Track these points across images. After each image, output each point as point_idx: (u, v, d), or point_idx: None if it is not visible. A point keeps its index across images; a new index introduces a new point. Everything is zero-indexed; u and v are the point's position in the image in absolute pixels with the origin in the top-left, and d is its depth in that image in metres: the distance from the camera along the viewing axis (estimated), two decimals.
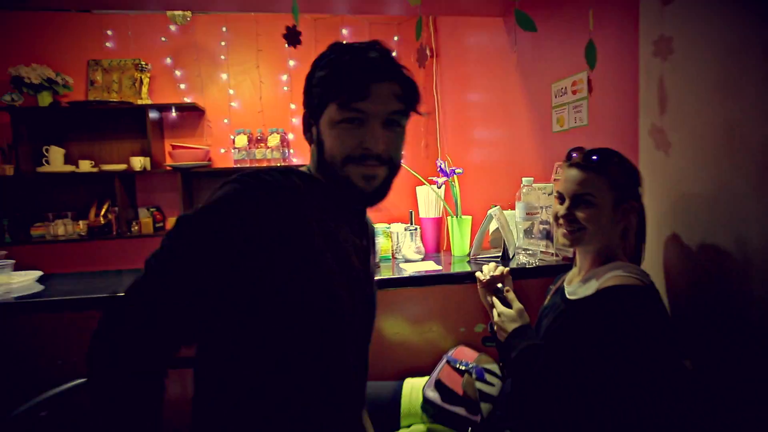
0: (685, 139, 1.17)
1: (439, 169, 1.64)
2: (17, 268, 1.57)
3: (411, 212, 1.67)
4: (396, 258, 1.67)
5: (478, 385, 1.17)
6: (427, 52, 3.17)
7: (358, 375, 0.91)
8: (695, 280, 1.14)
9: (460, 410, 1.15)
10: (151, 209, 2.98)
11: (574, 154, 1.08)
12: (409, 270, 1.50)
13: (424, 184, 1.76)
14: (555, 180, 1.65)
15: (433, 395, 1.18)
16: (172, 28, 2.94)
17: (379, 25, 3.13)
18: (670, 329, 1.00)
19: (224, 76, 3.04)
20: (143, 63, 2.88)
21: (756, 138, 0.98)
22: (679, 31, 1.16)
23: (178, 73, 3.00)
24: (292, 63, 3.08)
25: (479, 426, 1.13)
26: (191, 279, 0.71)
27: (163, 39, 2.97)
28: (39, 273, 1.59)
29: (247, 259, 0.72)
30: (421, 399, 1.21)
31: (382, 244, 1.63)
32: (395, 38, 3.13)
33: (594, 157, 1.05)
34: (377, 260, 0.84)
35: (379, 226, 1.75)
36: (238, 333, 0.76)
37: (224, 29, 3.01)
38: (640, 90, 1.29)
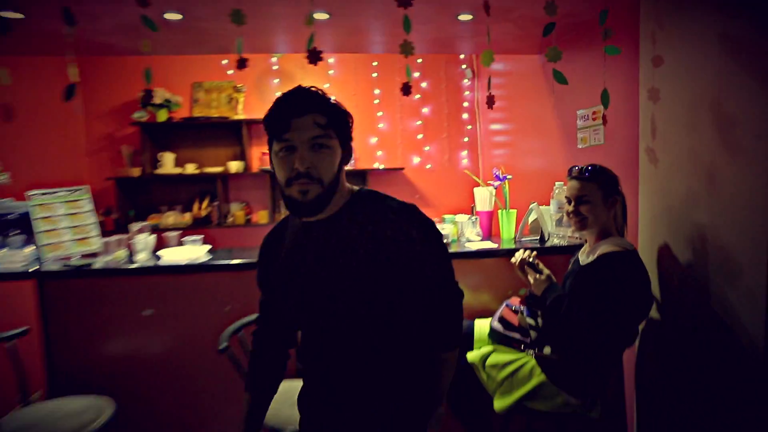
0: (666, 159, 1.74)
1: (495, 175, 2.23)
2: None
3: (473, 206, 2.27)
4: (460, 239, 2.27)
5: (528, 320, 1.75)
6: (468, 74, 3.75)
7: (332, 329, 1.13)
8: (675, 263, 1.72)
9: (516, 335, 1.74)
10: (242, 204, 3.64)
11: (574, 169, 1.66)
12: (472, 248, 2.10)
13: (481, 184, 2.35)
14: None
15: (497, 326, 1.77)
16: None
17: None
18: (641, 278, 1.57)
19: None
20: (239, 85, 3.53)
21: (706, 161, 1.55)
22: (664, 85, 1.73)
23: (263, 90, 3.65)
24: (357, 82, 3.70)
25: (528, 344, 1.72)
26: (265, 288, 1.24)
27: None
28: (209, 246, 2.22)
29: (262, 277, 1.23)
30: (488, 329, 1.80)
31: (450, 229, 2.23)
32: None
33: (586, 172, 1.63)
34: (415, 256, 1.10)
35: (447, 217, 2.35)
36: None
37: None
38: (639, 121, 1.87)
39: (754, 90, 1.39)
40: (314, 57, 1.75)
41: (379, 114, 3.77)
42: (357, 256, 1.08)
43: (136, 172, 3.41)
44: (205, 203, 3.58)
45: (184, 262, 2.06)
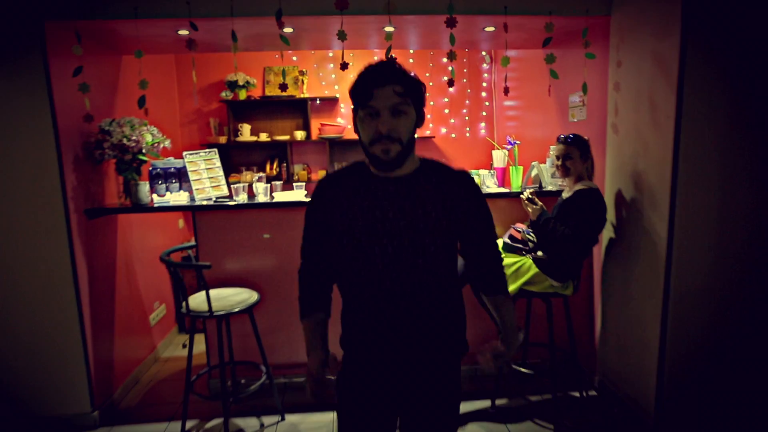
0: (622, 130, 2.62)
1: (507, 140, 3.12)
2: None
3: (492, 164, 3.17)
4: (482, 187, 3.17)
5: (528, 236, 2.67)
6: (486, 60, 4.58)
7: (395, 269, 1.27)
8: (623, 210, 2.62)
9: (519, 246, 2.66)
10: (304, 165, 4.56)
11: (559, 137, 2.55)
12: (491, 191, 3.00)
13: (497, 148, 3.24)
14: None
15: (508, 240, 2.69)
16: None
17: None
18: (601, 209, 2.47)
19: (351, 75, 4.53)
20: (304, 70, 4.40)
21: (643, 132, 2.43)
22: (623, 80, 2.59)
23: (321, 74, 4.51)
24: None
25: (527, 251, 2.64)
26: (315, 229, 1.38)
27: (312, 52, 4.47)
28: (305, 192, 3.14)
29: (326, 215, 1.34)
30: (501, 243, 2.73)
31: (476, 179, 3.13)
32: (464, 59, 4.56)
33: (568, 138, 2.52)
34: (472, 210, 1.35)
35: (471, 171, 3.25)
36: (339, 253, 1.34)
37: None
38: (608, 105, 2.73)
39: (667, 87, 2.25)
40: (344, 66, 2.63)
41: (427, 94, 4.64)
42: (434, 209, 1.27)
43: (223, 139, 4.33)
44: (275, 164, 4.50)
45: (291, 200, 2.98)
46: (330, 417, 2.83)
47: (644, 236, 2.47)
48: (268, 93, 4.43)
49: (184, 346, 3.95)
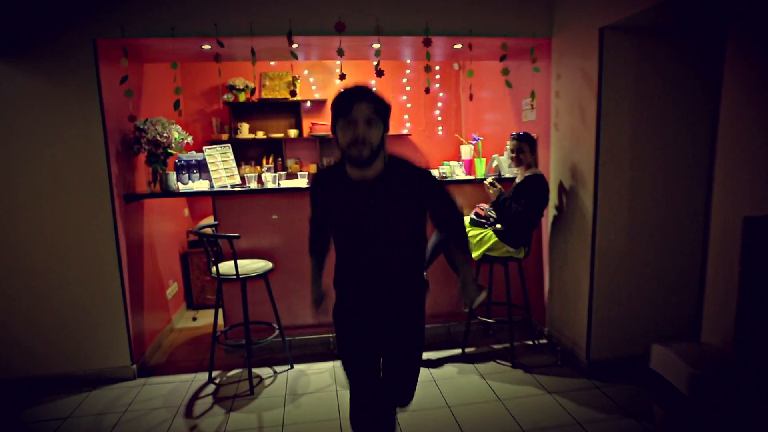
0: (562, 129, 3.33)
1: (473, 137, 3.80)
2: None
3: (460, 156, 3.85)
4: (453, 175, 3.84)
5: (489, 213, 3.35)
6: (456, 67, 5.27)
7: (375, 240, 1.73)
8: (563, 192, 3.33)
9: (483, 221, 3.34)
10: (296, 160, 5.14)
11: (512, 134, 3.25)
12: (460, 178, 3.68)
13: (464, 143, 3.92)
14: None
15: (474, 216, 3.37)
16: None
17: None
18: (545, 189, 3.18)
19: (337, 81, 5.15)
20: (295, 76, 4.99)
21: (577, 130, 3.15)
22: (561, 89, 3.30)
23: (311, 79, 5.11)
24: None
25: (489, 224, 3.32)
26: (314, 207, 1.90)
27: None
28: (306, 180, 3.74)
29: (319, 201, 1.85)
30: (469, 219, 3.40)
31: (447, 169, 3.80)
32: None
33: (519, 134, 3.22)
34: (432, 195, 1.79)
35: (444, 162, 3.92)
36: (331, 225, 1.86)
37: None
38: (551, 108, 3.45)
39: (591, 96, 2.95)
40: (342, 77, 3.27)
41: (404, 98, 5.30)
42: (397, 199, 1.70)
43: (224, 137, 4.88)
44: (270, 159, 5.07)
45: (296, 186, 3.58)
46: (330, 365, 3.44)
47: (577, 210, 3.19)
48: (264, 96, 4.99)
49: (194, 319, 4.50)
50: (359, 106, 1.62)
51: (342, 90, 1.67)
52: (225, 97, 4.80)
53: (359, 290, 1.85)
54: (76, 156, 3.06)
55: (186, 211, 4.91)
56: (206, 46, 3.29)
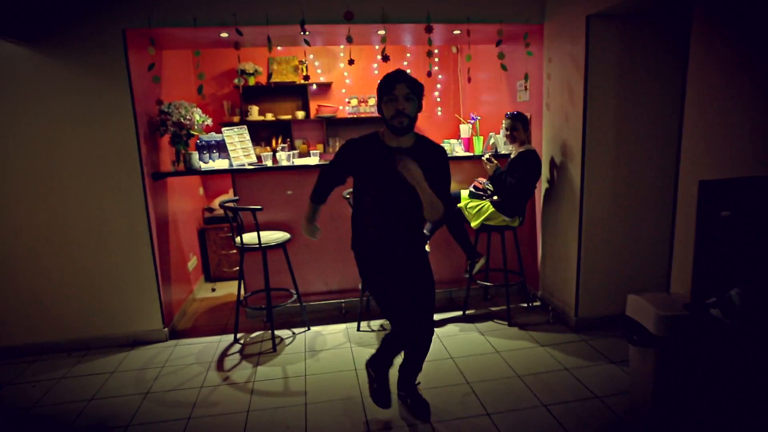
0: (553, 108, 3.64)
1: (471, 117, 4.09)
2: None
3: (459, 134, 4.15)
4: (453, 152, 4.14)
5: (487, 186, 3.67)
6: (454, 50, 5.52)
7: (394, 206, 2.21)
8: (554, 167, 3.65)
9: (480, 193, 3.66)
10: (303, 140, 5.43)
11: (507, 114, 3.56)
12: (459, 155, 3.99)
13: (463, 122, 4.21)
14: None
15: (473, 189, 3.69)
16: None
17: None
18: (537, 164, 3.50)
19: (341, 64, 5.41)
20: (302, 60, 5.24)
21: (566, 109, 3.45)
22: (552, 72, 3.60)
23: (317, 63, 5.37)
24: (378, 58, 5.44)
25: (487, 196, 3.64)
26: (333, 167, 2.35)
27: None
28: (318, 157, 4.04)
29: (347, 164, 2.27)
30: (467, 192, 3.72)
31: (447, 147, 4.10)
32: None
33: (513, 114, 3.53)
34: (441, 170, 2.23)
35: (445, 140, 4.22)
36: (355, 186, 2.30)
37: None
38: (543, 89, 3.74)
39: (578, 77, 3.25)
40: (351, 62, 3.55)
41: None
42: (421, 165, 2.10)
43: (236, 119, 5.15)
44: (279, 140, 5.36)
45: (309, 164, 3.88)
46: (343, 326, 3.80)
47: (566, 183, 3.51)
48: (273, 79, 5.25)
49: (213, 290, 4.84)
50: (399, 86, 2.08)
51: (386, 75, 2.14)
52: (236, 81, 5.06)
53: (381, 244, 2.30)
54: (109, 137, 3.35)
55: (201, 190, 5.21)
56: (224, 34, 3.55)
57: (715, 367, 1.95)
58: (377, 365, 2.48)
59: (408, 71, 5.46)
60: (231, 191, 5.22)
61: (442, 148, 2.32)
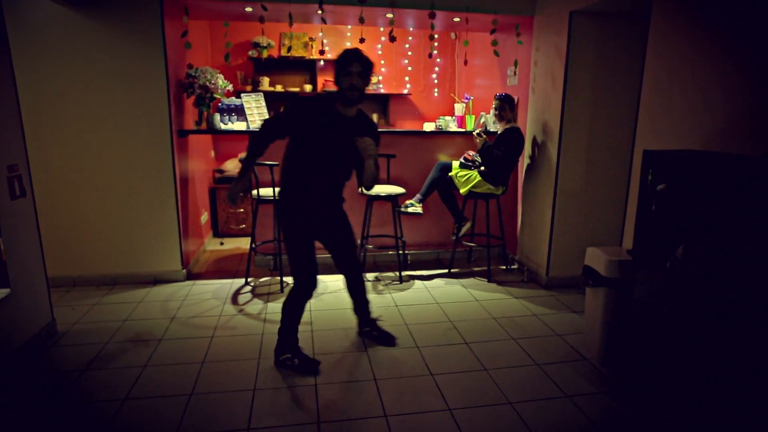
0: (537, 92, 4.12)
1: (465, 96, 4.55)
2: None
3: (454, 113, 4.61)
4: (447, 128, 4.61)
5: (475, 158, 4.15)
6: (452, 36, 5.96)
7: (329, 166, 2.53)
8: (536, 146, 4.14)
9: (470, 164, 4.14)
10: None
11: (496, 95, 4.04)
12: (453, 130, 4.46)
13: (458, 101, 4.67)
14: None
15: (462, 160, 4.17)
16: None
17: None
18: (520, 139, 3.99)
19: (348, 43, 5.81)
20: (311, 37, 5.64)
21: (548, 93, 3.93)
22: (539, 59, 4.07)
23: (325, 41, 5.77)
24: (383, 39, 5.86)
25: (475, 167, 4.12)
26: (284, 122, 2.53)
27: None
28: None
29: (299, 121, 2.47)
30: (458, 163, 4.20)
31: (442, 123, 4.56)
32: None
33: (501, 96, 4.00)
34: (373, 136, 2.56)
35: (440, 117, 4.69)
36: (293, 140, 2.54)
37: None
38: (530, 75, 4.21)
39: (560, 65, 3.72)
40: (362, 40, 3.98)
41: (405, 62, 6.00)
42: (359, 134, 2.50)
43: (248, 88, 5.55)
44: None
45: None
46: (341, 277, 4.26)
47: (545, 159, 4.01)
48: (283, 54, 5.65)
49: (221, 243, 5.28)
50: (355, 64, 2.43)
51: (344, 51, 2.47)
52: (250, 53, 5.45)
53: (311, 198, 2.60)
54: (144, 96, 3.75)
55: (212, 153, 5.62)
56: (249, 9, 3.96)
57: (648, 300, 2.47)
58: (286, 343, 2.76)
59: (409, 53, 5.97)
60: (240, 155, 5.65)
61: (375, 123, 2.74)
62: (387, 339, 3.06)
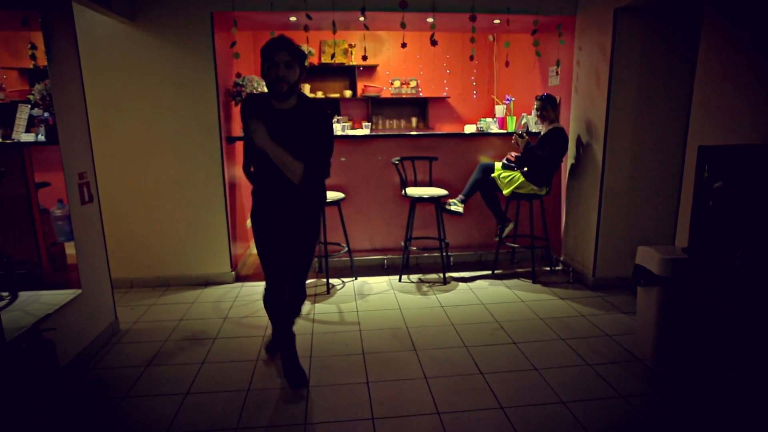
0: (581, 92, 4.08)
1: (506, 98, 4.55)
2: None
3: (495, 114, 4.62)
4: (488, 130, 4.62)
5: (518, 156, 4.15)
6: (491, 38, 5.96)
7: (274, 166, 2.20)
8: (580, 145, 4.10)
9: (513, 165, 4.14)
10: (349, 117, 5.96)
11: (537, 96, 4.02)
12: (494, 131, 4.46)
13: (498, 103, 4.67)
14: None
15: (505, 162, 4.16)
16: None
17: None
18: (564, 140, 3.96)
19: (386, 48, 5.90)
20: (351, 44, 5.75)
21: (593, 92, 3.89)
22: (582, 59, 4.04)
23: (365, 46, 5.87)
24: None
25: (518, 167, 4.11)
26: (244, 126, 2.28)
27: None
28: (369, 130, 4.55)
29: (243, 121, 2.29)
30: (501, 164, 4.20)
31: (483, 125, 4.57)
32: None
33: (543, 97, 3.98)
34: (318, 129, 2.28)
35: (480, 119, 4.70)
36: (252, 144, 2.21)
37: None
38: (573, 74, 4.18)
39: (604, 64, 3.68)
40: (404, 45, 4.03)
41: (444, 65, 6.05)
42: (303, 128, 2.26)
43: None
44: None
45: (360, 134, 4.40)
46: (386, 278, 4.33)
47: (590, 159, 3.97)
48: (325, 60, 5.78)
49: None
50: (281, 54, 2.18)
51: (269, 40, 2.22)
52: None
53: (272, 200, 2.40)
54: (195, 104, 3.91)
55: None
56: (293, 18, 4.08)
57: (706, 300, 2.42)
58: (276, 345, 2.72)
59: (447, 56, 6.01)
60: None
61: (324, 108, 2.36)
62: (296, 377, 2.60)
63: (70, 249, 2.84)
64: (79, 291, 2.81)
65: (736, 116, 2.53)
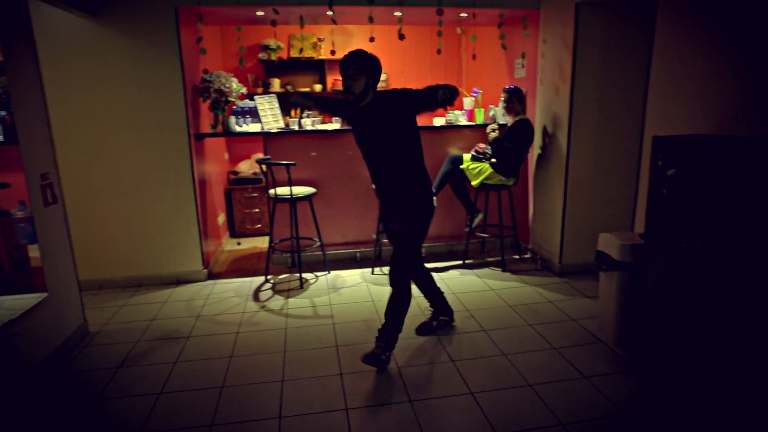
0: (545, 83, 4.18)
1: (473, 90, 4.62)
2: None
3: (463, 106, 4.69)
4: (457, 121, 4.69)
5: (486, 150, 4.22)
6: (459, 31, 6.02)
7: (381, 161, 2.68)
8: (546, 135, 4.20)
9: (481, 156, 4.22)
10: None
11: (504, 88, 4.10)
12: (462, 123, 4.53)
13: (466, 95, 4.75)
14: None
15: (474, 153, 4.24)
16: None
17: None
18: (530, 131, 4.06)
19: (355, 41, 5.89)
20: (320, 38, 5.72)
21: (556, 83, 3.99)
22: (546, 51, 4.13)
23: (333, 41, 5.85)
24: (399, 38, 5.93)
25: (486, 159, 4.19)
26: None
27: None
28: (339, 124, 4.57)
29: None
30: (470, 155, 4.27)
31: (452, 117, 4.64)
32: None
33: (509, 89, 4.07)
34: (402, 106, 2.57)
35: (450, 111, 4.76)
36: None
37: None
38: (538, 66, 4.27)
39: (568, 56, 3.78)
40: (372, 39, 4.06)
41: (413, 58, 6.07)
42: (386, 119, 2.60)
43: (260, 90, 5.65)
44: (297, 111, 5.86)
45: (330, 128, 4.41)
46: (359, 271, 4.37)
47: (555, 149, 4.07)
48: (293, 55, 5.74)
49: (238, 243, 5.40)
50: (349, 68, 2.55)
51: (345, 55, 2.59)
52: (260, 55, 5.55)
53: (383, 193, 2.80)
54: (162, 101, 3.86)
55: (226, 155, 5.73)
56: (260, 13, 4.05)
57: (660, 282, 2.53)
58: (389, 335, 2.77)
59: (415, 50, 6.03)
60: (252, 157, 5.77)
61: (395, 89, 2.66)
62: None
63: (33, 252, 2.78)
64: (44, 294, 2.77)
65: (688, 107, 2.64)
